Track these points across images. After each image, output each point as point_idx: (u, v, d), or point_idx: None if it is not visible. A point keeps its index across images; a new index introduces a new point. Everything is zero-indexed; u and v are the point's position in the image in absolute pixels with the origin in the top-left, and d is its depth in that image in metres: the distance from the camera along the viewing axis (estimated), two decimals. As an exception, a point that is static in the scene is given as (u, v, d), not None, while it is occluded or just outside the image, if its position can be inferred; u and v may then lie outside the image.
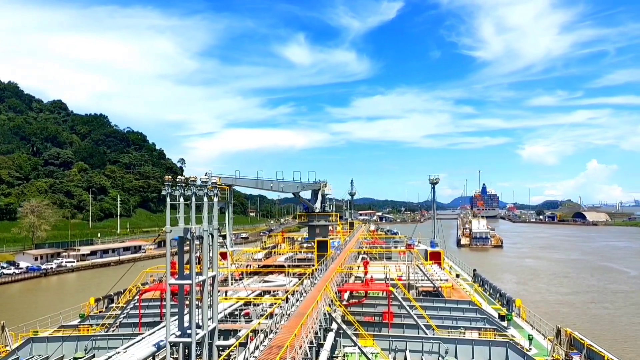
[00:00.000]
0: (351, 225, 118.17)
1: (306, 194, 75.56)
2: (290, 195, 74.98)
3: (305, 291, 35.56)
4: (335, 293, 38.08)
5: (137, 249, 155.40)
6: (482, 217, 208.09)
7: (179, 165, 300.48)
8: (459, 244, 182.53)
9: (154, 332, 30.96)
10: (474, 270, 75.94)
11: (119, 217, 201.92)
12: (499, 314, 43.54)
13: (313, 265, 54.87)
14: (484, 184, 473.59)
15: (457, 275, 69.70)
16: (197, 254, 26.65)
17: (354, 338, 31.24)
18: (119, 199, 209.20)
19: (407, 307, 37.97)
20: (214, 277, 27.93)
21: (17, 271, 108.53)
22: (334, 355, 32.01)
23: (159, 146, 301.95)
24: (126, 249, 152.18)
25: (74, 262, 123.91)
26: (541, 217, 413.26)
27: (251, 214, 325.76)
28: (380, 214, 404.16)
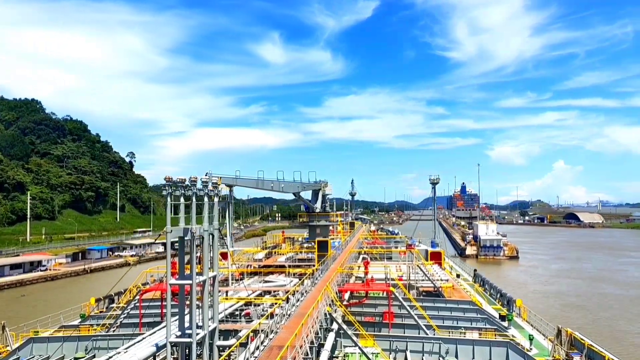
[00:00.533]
0: (351, 225, 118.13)
1: (307, 194, 75.64)
2: (262, 195, 73.92)
3: (305, 291, 35.57)
4: (336, 293, 38.08)
5: (36, 265, 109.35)
6: (491, 219, 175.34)
7: (127, 160, 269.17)
8: (462, 254, 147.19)
9: (154, 332, 30.97)
10: (475, 270, 75.95)
11: (28, 220, 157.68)
12: (499, 314, 43.54)
13: (314, 266, 54.87)
14: (463, 183, 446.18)
15: (458, 275, 69.71)
16: (198, 254, 26.66)
17: (354, 338, 31.23)
18: (28, 197, 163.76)
19: (408, 307, 37.97)
20: (214, 277, 27.93)
21: None
22: (335, 355, 32.01)
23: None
24: (15, 266, 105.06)
25: None
26: (527, 218, 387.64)
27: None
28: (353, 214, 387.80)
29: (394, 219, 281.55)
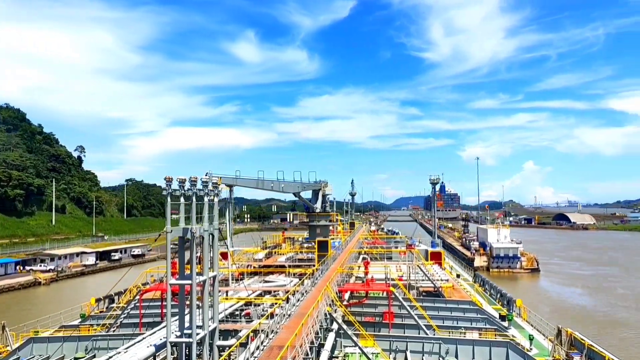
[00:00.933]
0: (352, 225, 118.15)
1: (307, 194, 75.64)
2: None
3: (305, 291, 35.57)
4: (336, 293, 38.08)
5: None
6: (504, 223, 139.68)
7: (76, 155, 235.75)
8: (470, 265, 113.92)
9: (154, 332, 30.98)
10: (474, 270, 75.97)
11: None
12: (499, 314, 43.53)
13: (314, 266, 54.87)
14: (442, 182, 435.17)
15: (458, 276, 69.74)
16: (198, 254, 26.67)
17: (354, 338, 31.23)
18: None
19: (408, 307, 37.97)
20: (214, 277, 27.94)
21: None
22: (335, 355, 32.00)
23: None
24: None
25: None
26: (511, 219, 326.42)
27: (174, 215, 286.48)
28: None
29: (371, 220, 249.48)
